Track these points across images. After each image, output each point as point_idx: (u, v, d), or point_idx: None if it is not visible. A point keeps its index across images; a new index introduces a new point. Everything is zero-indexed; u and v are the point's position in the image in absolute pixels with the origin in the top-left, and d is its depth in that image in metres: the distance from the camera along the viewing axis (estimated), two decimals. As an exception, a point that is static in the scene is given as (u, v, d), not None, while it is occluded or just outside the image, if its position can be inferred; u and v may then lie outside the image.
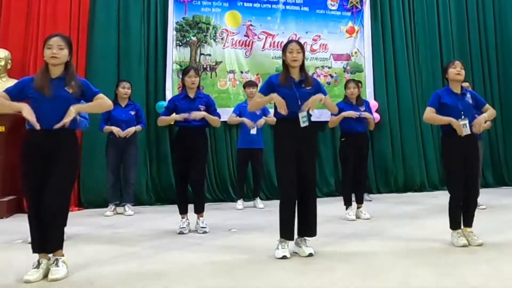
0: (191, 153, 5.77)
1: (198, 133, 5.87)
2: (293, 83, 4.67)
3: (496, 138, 10.54)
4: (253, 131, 7.79)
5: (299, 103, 4.61)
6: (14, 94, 3.97)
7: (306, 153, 4.64)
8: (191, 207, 5.93)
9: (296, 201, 4.63)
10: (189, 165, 5.80)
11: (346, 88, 6.93)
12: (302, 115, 4.60)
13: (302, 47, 4.73)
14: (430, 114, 5.01)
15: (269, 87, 4.71)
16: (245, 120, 7.75)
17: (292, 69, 4.70)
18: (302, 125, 4.59)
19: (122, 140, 7.33)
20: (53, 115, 3.91)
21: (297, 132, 4.59)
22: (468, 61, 10.41)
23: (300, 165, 4.59)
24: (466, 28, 10.68)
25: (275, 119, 4.83)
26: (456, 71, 4.94)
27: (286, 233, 4.56)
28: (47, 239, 3.91)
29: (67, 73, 4.05)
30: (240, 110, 7.95)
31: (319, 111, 8.28)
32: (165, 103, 8.23)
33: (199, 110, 5.78)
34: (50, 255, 3.96)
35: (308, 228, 4.66)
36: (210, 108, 5.91)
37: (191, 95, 5.89)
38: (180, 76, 8.40)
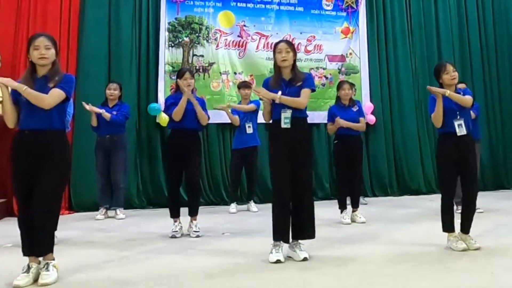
0: (185, 156, 5.71)
1: (191, 135, 5.81)
2: (283, 84, 4.61)
3: (496, 140, 10.52)
4: (249, 130, 7.72)
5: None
6: (15, 99, 3.95)
7: (301, 155, 4.56)
8: (183, 211, 5.85)
9: (291, 204, 4.56)
10: (183, 168, 5.76)
11: (340, 89, 6.77)
12: (285, 115, 4.51)
13: (291, 45, 4.66)
14: (433, 118, 4.94)
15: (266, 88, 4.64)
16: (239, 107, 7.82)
17: (283, 69, 4.64)
18: (283, 125, 4.50)
19: (109, 142, 7.29)
20: (40, 115, 3.86)
21: (292, 134, 4.52)
22: (468, 63, 10.44)
23: (295, 167, 4.52)
24: (466, 29, 10.66)
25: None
26: (450, 76, 4.87)
27: (279, 236, 4.50)
28: (36, 243, 3.84)
29: (52, 70, 3.99)
30: (237, 111, 7.84)
31: (310, 113, 8.20)
32: (157, 105, 8.20)
33: (194, 111, 5.72)
34: (41, 259, 3.89)
35: (305, 231, 4.59)
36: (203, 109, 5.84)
37: None
38: (173, 78, 8.35)
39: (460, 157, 4.81)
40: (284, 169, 4.49)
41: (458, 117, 4.83)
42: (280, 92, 4.52)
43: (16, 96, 3.92)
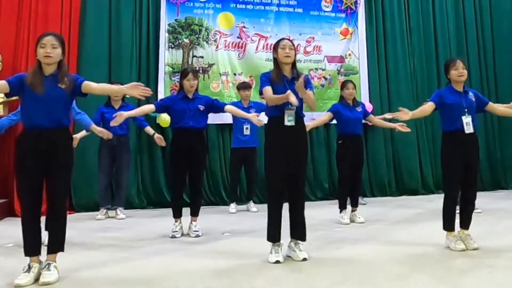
0: (189, 156, 5.74)
1: (196, 135, 5.82)
2: (285, 81, 4.61)
3: (493, 140, 10.53)
4: (246, 132, 7.73)
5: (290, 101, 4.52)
6: (15, 84, 3.95)
7: (299, 154, 4.59)
8: (184, 211, 5.88)
9: (287, 204, 4.61)
10: (188, 169, 5.79)
11: (344, 88, 6.80)
12: (289, 113, 4.52)
13: (293, 45, 4.71)
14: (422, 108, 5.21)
15: (268, 80, 4.62)
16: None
17: (284, 66, 4.65)
18: (287, 123, 4.51)
19: (115, 143, 7.25)
20: (48, 113, 3.91)
21: (290, 132, 4.53)
22: (466, 64, 10.35)
23: (293, 165, 4.54)
24: (464, 30, 10.67)
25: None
26: (458, 72, 4.88)
27: (272, 236, 4.54)
28: (54, 240, 3.96)
29: (60, 70, 4.03)
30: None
31: (309, 113, 8.21)
32: (157, 106, 8.17)
33: (198, 110, 5.76)
34: (42, 258, 3.93)
35: (299, 231, 4.61)
36: (214, 105, 5.92)
37: (190, 95, 5.83)
38: (173, 79, 8.38)
39: (466, 156, 4.81)
40: (281, 166, 4.50)
41: (466, 114, 4.82)
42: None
43: (21, 88, 3.95)
